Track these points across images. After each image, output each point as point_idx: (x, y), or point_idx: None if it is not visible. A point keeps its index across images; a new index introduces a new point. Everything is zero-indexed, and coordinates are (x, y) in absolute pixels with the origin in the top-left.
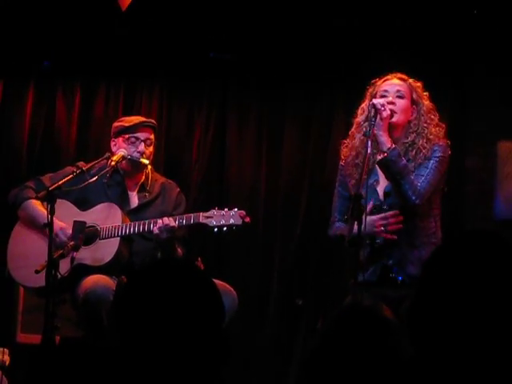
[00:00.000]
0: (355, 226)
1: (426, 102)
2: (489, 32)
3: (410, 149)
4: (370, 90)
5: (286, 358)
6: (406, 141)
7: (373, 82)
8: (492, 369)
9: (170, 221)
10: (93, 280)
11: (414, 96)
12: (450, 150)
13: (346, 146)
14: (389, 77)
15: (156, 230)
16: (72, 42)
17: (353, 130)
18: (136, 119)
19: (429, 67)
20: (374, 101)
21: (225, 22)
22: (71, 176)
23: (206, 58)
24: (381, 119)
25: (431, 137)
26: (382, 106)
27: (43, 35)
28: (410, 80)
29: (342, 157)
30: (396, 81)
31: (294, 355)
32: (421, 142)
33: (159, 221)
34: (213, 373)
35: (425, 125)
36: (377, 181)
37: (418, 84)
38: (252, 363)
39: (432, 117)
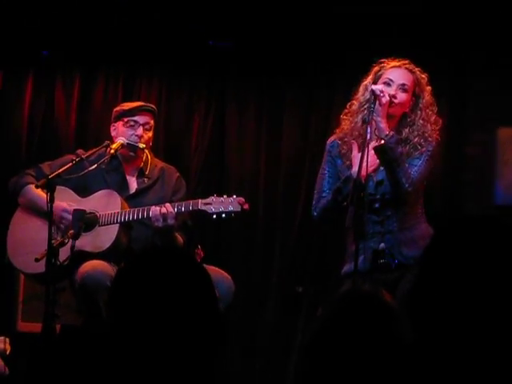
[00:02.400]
0: None
1: (427, 97)
2: (488, 18)
3: (403, 144)
4: (376, 68)
5: (286, 346)
6: (399, 136)
7: (381, 61)
8: (494, 353)
9: (167, 207)
10: (91, 265)
11: (417, 90)
12: (440, 147)
13: (346, 123)
14: (397, 63)
15: (151, 215)
16: (70, 32)
17: (354, 107)
18: (136, 103)
19: (428, 54)
20: (373, 87)
21: (224, 9)
22: (70, 164)
23: (205, 46)
24: (380, 105)
25: (427, 136)
26: (381, 92)
27: (42, 25)
28: (417, 71)
29: (338, 131)
30: (404, 71)
31: (295, 343)
32: (417, 139)
33: (157, 208)
34: (209, 357)
35: (421, 121)
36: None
37: (424, 76)
38: (252, 350)
39: (430, 113)
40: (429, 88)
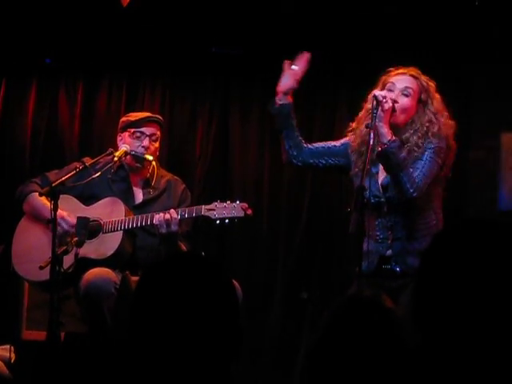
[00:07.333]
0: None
1: (436, 105)
2: (492, 25)
3: (405, 146)
4: (384, 77)
5: (291, 352)
6: (402, 137)
7: (387, 70)
8: (498, 356)
9: (171, 213)
10: (94, 272)
11: (423, 96)
12: (453, 143)
13: (353, 130)
14: (402, 70)
15: (156, 221)
16: (74, 38)
17: (361, 115)
18: (142, 114)
19: (431, 60)
20: (376, 92)
21: (227, 16)
22: (74, 172)
23: (208, 52)
24: (382, 111)
25: (430, 135)
26: (384, 97)
27: (45, 32)
28: (424, 78)
29: (350, 140)
30: (407, 77)
31: (300, 348)
32: (415, 138)
33: (161, 214)
34: (224, 367)
35: (427, 124)
36: (377, 172)
37: (431, 84)
38: (257, 356)
39: (439, 118)
40: (438, 96)
